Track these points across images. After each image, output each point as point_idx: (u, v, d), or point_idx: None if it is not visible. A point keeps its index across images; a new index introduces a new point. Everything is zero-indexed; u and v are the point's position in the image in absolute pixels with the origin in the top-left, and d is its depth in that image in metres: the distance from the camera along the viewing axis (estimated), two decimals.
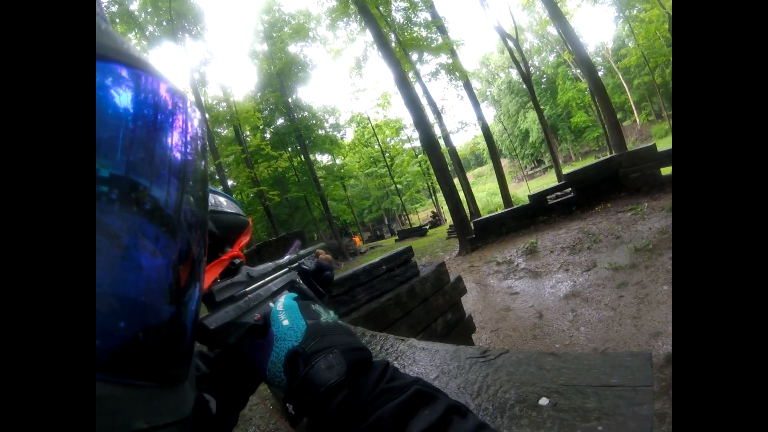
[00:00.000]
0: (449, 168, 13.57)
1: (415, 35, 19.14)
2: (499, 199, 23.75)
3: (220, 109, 20.24)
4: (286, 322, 0.47)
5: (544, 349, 3.78)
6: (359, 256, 19.62)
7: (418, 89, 16.22)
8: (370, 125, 31.45)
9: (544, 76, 48.42)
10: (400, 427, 0.37)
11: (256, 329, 0.47)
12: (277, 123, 25.22)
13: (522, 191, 29.28)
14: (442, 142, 16.35)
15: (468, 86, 19.65)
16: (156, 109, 0.27)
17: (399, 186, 33.09)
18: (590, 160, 16.45)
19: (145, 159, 0.25)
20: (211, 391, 0.48)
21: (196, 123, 0.32)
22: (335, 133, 28.41)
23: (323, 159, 30.12)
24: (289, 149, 24.85)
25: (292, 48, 23.98)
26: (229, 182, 20.40)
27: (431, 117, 16.56)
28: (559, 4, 14.68)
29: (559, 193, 9.96)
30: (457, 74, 19.10)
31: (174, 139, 0.28)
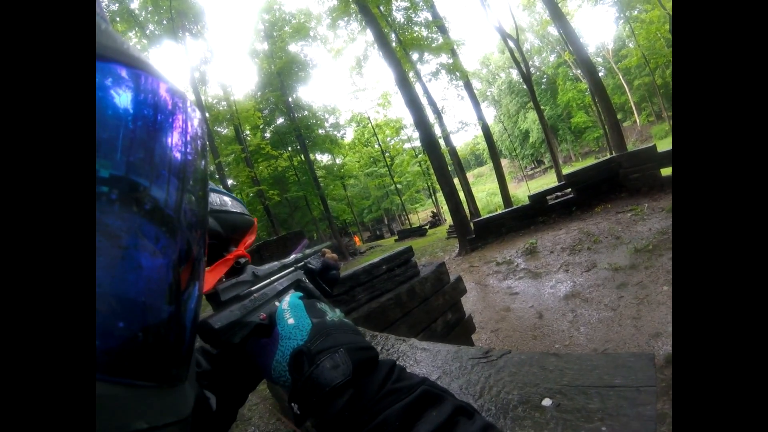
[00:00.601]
0: (449, 168, 13.56)
1: (415, 35, 19.12)
2: (499, 199, 23.76)
3: (220, 108, 20.20)
4: (291, 321, 0.46)
5: (544, 349, 3.78)
6: (359, 255, 19.63)
7: (418, 89, 16.21)
8: (370, 125, 31.45)
9: (545, 76, 48.43)
10: (406, 428, 0.36)
11: (261, 328, 0.46)
12: (278, 122, 25.17)
13: (522, 191, 29.29)
14: (442, 142, 16.33)
15: (468, 86, 19.65)
16: (156, 109, 0.27)
17: (399, 186, 33.09)
18: (590, 161, 16.46)
19: (145, 159, 0.25)
20: (211, 387, 0.48)
21: (196, 123, 0.32)
22: (335, 132, 28.34)
23: (323, 158, 30.09)
24: (289, 149, 24.82)
25: (293, 47, 23.95)
26: (229, 181, 20.39)
27: (431, 117, 16.56)
28: (560, 5, 14.67)
29: (559, 194, 9.96)
30: (458, 74, 19.09)
31: (174, 139, 0.28)
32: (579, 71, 33.00)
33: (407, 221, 36.38)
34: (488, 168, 58.32)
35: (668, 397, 2.07)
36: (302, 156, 23.84)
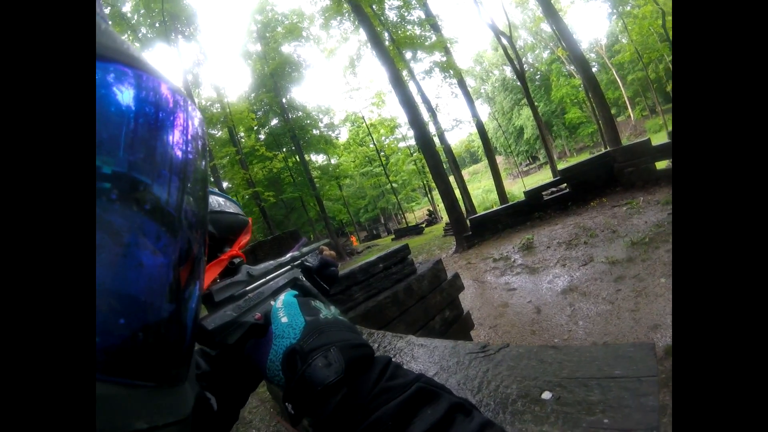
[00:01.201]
0: (444, 166, 13.56)
1: (408, 33, 19.07)
2: (494, 196, 23.85)
3: (214, 110, 20.12)
4: (284, 320, 0.45)
5: (542, 343, 3.77)
6: (356, 255, 19.61)
7: (412, 87, 16.22)
8: (364, 124, 31.44)
9: (538, 72, 48.51)
10: (400, 428, 0.36)
11: (257, 328, 0.46)
12: (272, 123, 25.10)
13: (517, 188, 29.39)
14: (436, 140, 16.33)
15: (462, 84, 19.64)
16: (157, 107, 0.27)
17: (394, 185, 33.09)
18: (585, 156, 16.52)
19: (147, 157, 0.25)
20: (211, 388, 0.47)
21: (196, 122, 0.32)
22: (330, 132, 28.30)
23: (318, 159, 30.07)
24: (284, 150, 24.74)
25: (286, 48, 23.88)
26: (224, 184, 20.32)
27: (426, 115, 16.52)
28: (552, 1, 14.69)
29: (554, 189, 9.98)
30: (451, 72, 19.08)
31: (175, 137, 0.28)
32: (572, 67, 33.10)
33: (404, 220, 36.40)
34: (483, 165, 58.45)
35: (668, 388, 2.06)
36: (297, 157, 23.79)
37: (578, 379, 0.80)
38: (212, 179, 17.43)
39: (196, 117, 0.32)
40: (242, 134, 23.13)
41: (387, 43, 16.10)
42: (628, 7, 29.81)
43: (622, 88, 43.11)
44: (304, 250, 0.73)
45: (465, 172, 40.87)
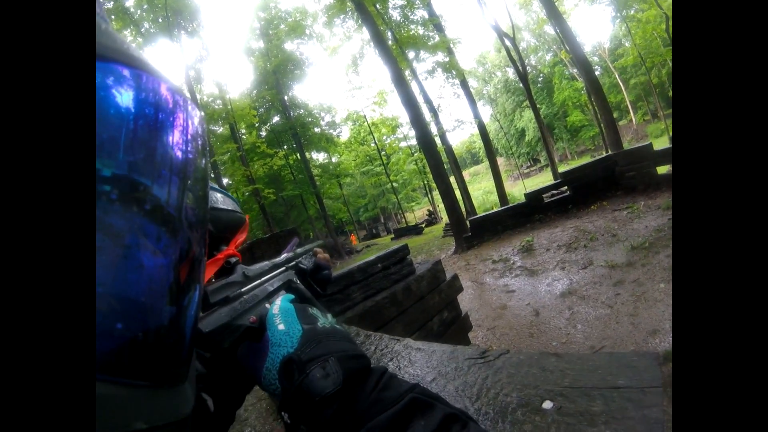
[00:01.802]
0: (445, 166, 13.54)
1: (411, 33, 19.06)
2: (495, 197, 23.80)
3: (216, 106, 20.14)
4: (281, 327, 0.45)
5: (541, 346, 3.76)
6: (355, 254, 19.60)
7: (414, 87, 16.19)
8: (366, 123, 31.43)
9: (541, 75, 48.48)
10: None
11: (251, 332, 0.45)
12: (273, 121, 25.07)
13: (518, 190, 29.36)
14: (438, 140, 16.29)
15: (464, 84, 19.62)
16: (157, 108, 0.27)
17: (395, 184, 33.07)
18: (586, 159, 16.49)
19: (147, 158, 0.25)
20: (207, 390, 0.47)
21: (196, 121, 0.31)
22: (331, 131, 28.26)
23: (319, 157, 30.08)
24: (285, 147, 24.72)
25: (289, 45, 23.87)
26: (225, 180, 20.33)
27: (428, 115, 16.48)
28: (556, 4, 14.66)
29: (555, 192, 9.96)
30: (454, 72, 19.05)
31: (175, 137, 0.28)
32: (575, 70, 33.04)
33: (403, 220, 36.41)
34: (484, 166, 58.45)
35: (667, 394, 2.04)
36: (298, 154, 23.78)
37: (580, 389, 0.78)
38: (212, 175, 17.37)
39: (197, 116, 0.32)
40: (243, 131, 23.11)
41: (390, 42, 16.08)
42: (632, 11, 29.78)
43: (625, 92, 43.09)
44: (298, 251, 0.72)
45: (466, 173, 40.88)
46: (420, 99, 15.89)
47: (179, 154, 0.28)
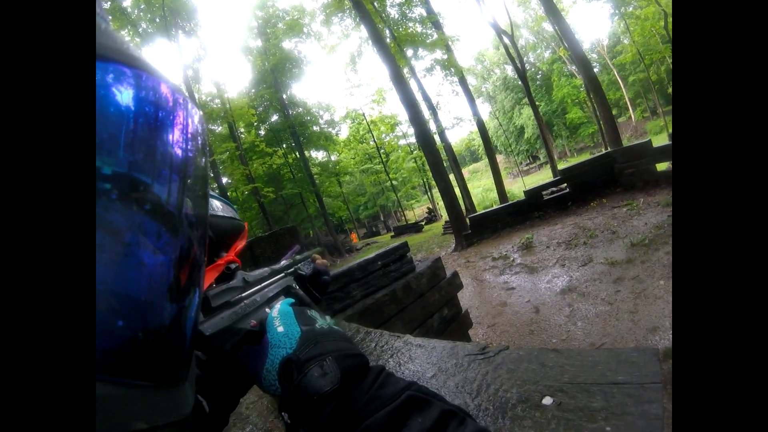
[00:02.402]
0: (445, 164, 13.52)
1: (410, 31, 19.03)
2: (494, 194, 23.82)
3: (214, 105, 20.09)
4: (280, 329, 0.46)
5: (541, 343, 3.76)
6: (355, 252, 19.61)
7: (413, 85, 16.17)
8: (365, 121, 31.42)
9: (540, 72, 48.39)
10: None
11: (252, 335, 0.47)
12: (272, 119, 25.05)
13: (517, 187, 29.34)
14: (437, 137, 16.25)
15: (463, 82, 19.55)
16: (157, 106, 0.27)
17: (394, 182, 33.05)
18: (585, 156, 16.50)
19: (147, 156, 0.25)
20: (202, 392, 0.47)
21: (196, 120, 0.32)
22: (330, 129, 28.25)
23: (318, 155, 30.04)
24: (284, 146, 24.72)
25: (287, 44, 23.84)
26: (224, 179, 20.29)
27: (426, 113, 16.45)
28: (554, 0, 14.62)
29: (554, 189, 9.97)
30: (453, 70, 18.98)
31: (175, 136, 0.28)
32: (574, 67, 33.00)
33: (403, 217, 36.43)
34: (483, 164, 58.38)
35: (667, 391, 2.04)
36: (297, 153, 23.78)
37: (580, 385, 0.78)
38: (211, 174, 17.37)
39: (196, 115, 0.32)
40: (242, 130, 23.10)
41: (388, 40, 16.05)
42: (631, 8, 29.74)
43: (624, 89, 43.02)
44: (297, 257, 0.74)
45: (465, 171, 40.82)
46: (419, 97, 15.88)
47: (179, 152, 0.28)
